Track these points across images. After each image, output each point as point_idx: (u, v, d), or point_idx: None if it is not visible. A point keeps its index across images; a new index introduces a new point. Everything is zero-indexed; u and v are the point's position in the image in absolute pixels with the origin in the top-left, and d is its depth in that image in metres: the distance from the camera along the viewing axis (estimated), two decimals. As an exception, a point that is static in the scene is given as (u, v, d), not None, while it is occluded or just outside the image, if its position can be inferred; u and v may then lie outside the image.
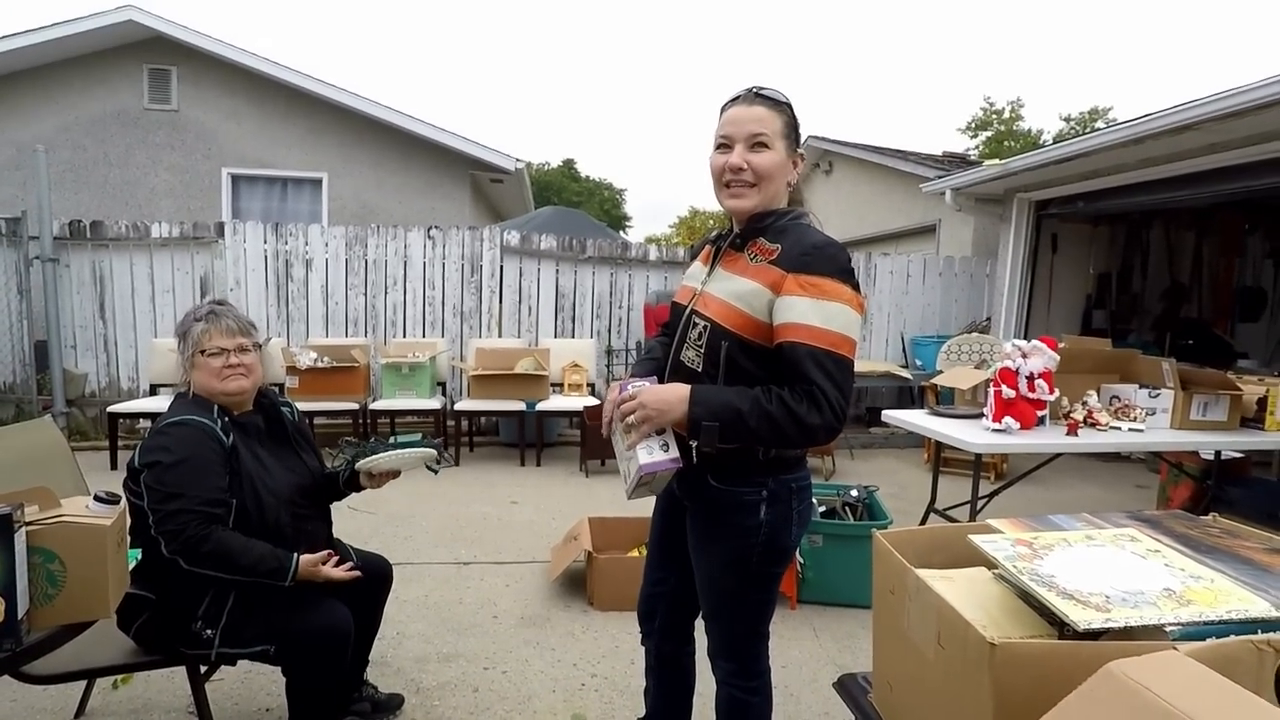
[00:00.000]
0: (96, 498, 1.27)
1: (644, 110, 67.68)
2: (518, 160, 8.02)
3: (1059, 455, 3.51)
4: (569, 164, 27.99)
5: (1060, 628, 0.70)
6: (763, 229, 1.38)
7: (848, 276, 1.28)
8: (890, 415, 3.40)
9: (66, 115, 7.47)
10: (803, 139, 1.47)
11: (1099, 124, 19.39)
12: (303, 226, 5.95)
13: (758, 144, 1.34)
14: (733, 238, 1.43)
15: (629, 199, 32.45)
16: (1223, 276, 6.85)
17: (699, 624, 1.61)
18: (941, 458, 3.54)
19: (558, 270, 6.24)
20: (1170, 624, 0.64)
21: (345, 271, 5.95)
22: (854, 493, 3.23)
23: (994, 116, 22.51)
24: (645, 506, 4.32)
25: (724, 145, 1.38)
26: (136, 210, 7.27)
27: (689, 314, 1.45)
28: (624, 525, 3.30)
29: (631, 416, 1.33)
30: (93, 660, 1.64)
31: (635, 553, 3.15)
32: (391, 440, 2.05)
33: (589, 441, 5.07)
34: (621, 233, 25.18)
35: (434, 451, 1.99)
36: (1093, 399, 3.07)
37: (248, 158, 7.74)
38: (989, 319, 6.71)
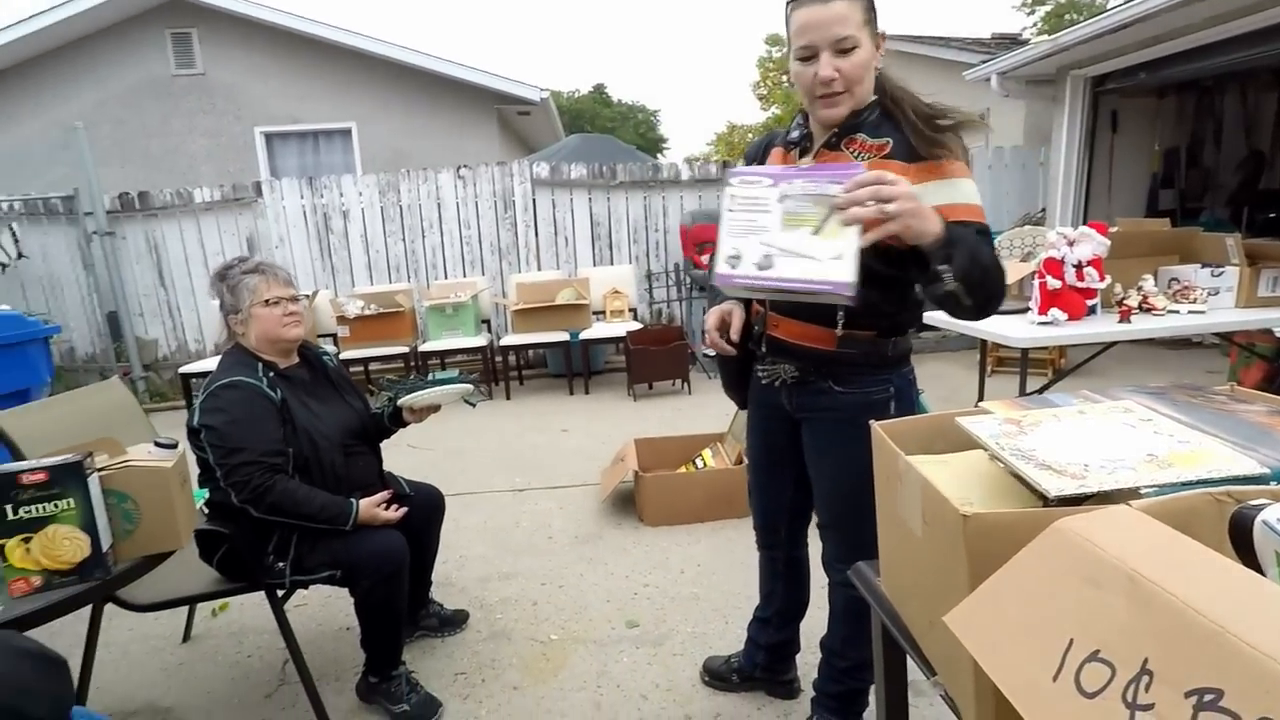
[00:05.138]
0: (156, 444, 1.39)
1: (673, 27, 64.65)
2: (543, 90, 7.87)
3: (1113, 344, 3.38)
4: (599, 90, 27.15)
5: (1045, 500, 0.71)
6: (859, 124, 1.33)
7: (965, 153, 1.31)
8: (932, 316, 3.32)
9: (101, 90, 7.64)
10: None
11: (1172, -18, 17.54)
12: (336, 178, 6.03)
13: (843, 48, 1.25)
14: (828, 138, 1.35)
15: (664, 120, 31.49)
16: (1308, 139, 6.28)
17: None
18: (996, 357, 3.43)
19: (590, 199, 6.18)
20: (1147, 486, 0.64)
21: (382, 219, 6.04)
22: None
23: (1053, -13, 20.61)
24: (690, 425, 4.35)
25: (808, 55, 1.27)
26: (179, 177, 7.48)
27: None
28: (669, 444, 3.38)
29: (891, 205, 1.07)
30: (186, 590, 1.81)
31: (682, 469, 3.24)
32: (430, 377, 2.15)
33: (635, 366, 5.13)
34: (659, 155, 24.59)
35: (470, 386, 2.09)
36: (1148, 283, 2.93)
37: (277, 114, 7.82)
38: (1043, 210, 6.37)
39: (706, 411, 4.60)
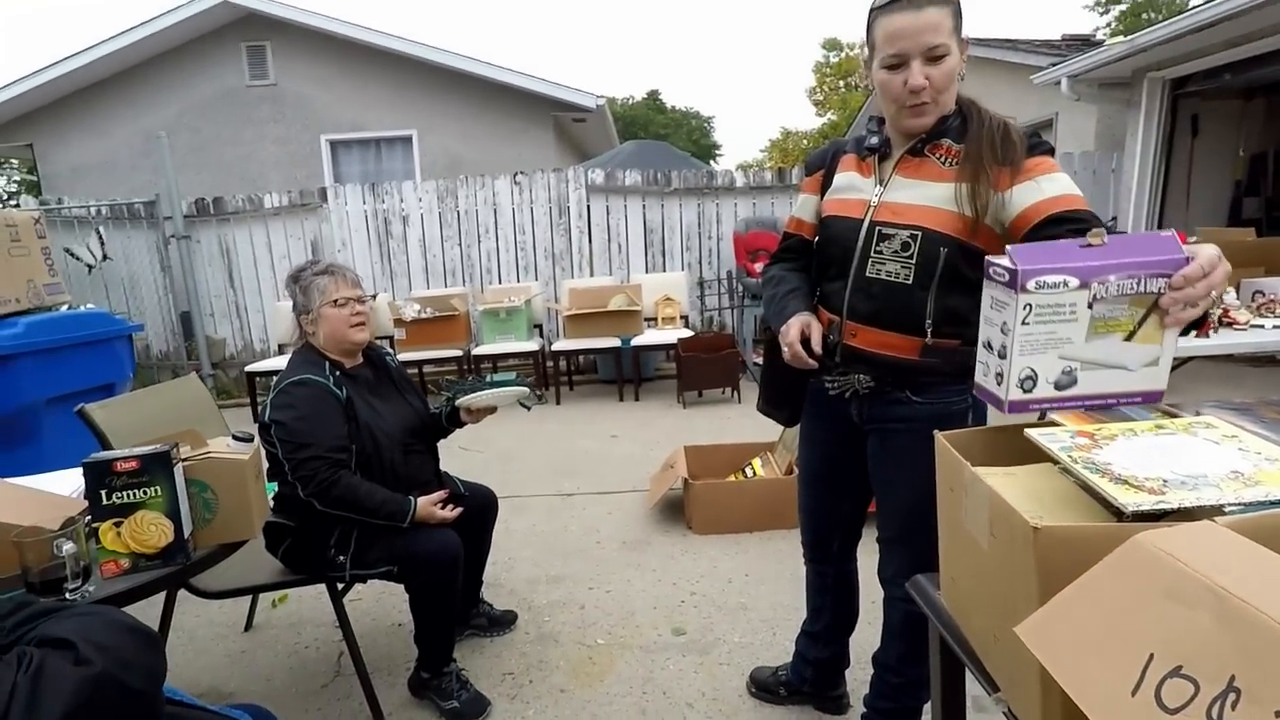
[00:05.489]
0: (235, 437, 1.46)
1: (727, 32, 64.67)
2: (598, 97, 7.96)
3: (1189, 360, 3.22)
4: (653, 95, 27.35)
5: (1119, 515, 0.68)
6: (944, 130, 1.32)
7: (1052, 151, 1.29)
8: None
9: (182, 101, 8.07)
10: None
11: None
12: (397, 185, 6.22)
13: (935, 55, 1.22)
14: (913, 144, 1.34)
15: (717, 126, 31.48)
16: None
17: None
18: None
19: (644, 205, 6.22)
20: (1231, 504, 0.61)
21: (439, 224, 6.20)
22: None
23: (1129, -14, 19.82)
24: (739, 434, 4.33)
25: (897, 63, 1.25)
26: (250, 184, 7.83)
27: (871, 227, 1.36)
28: (719, 452, 3.37)
29: (1204, 299, 0.86)
30: (251, 580, 1.89)
31: (732, 478, 3.22)
32: (488, 379, 2.20)
33: (685, 374, 5.13)
34: (712, 161, 24.58)
35: (527, 389, 2.12)
36: (1230, 296, 2.79)
37: (342, 123, 8.11)
38: (1114, 219, 6.12)
39: (756, 421, 4.52)
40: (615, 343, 5.33)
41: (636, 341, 5.35)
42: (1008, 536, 0.70)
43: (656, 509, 3.22)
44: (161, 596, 1.89)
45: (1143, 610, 0.49)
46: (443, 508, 1.90)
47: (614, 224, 6.24)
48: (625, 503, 3.38)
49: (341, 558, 1.82)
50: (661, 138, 21.11)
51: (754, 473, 3.19)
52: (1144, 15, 18.33)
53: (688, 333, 5.47)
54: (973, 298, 1.32)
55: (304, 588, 1.99)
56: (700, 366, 5.12)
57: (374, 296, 5.42)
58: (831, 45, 22.46)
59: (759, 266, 5.86)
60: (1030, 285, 0.80)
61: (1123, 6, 19.58)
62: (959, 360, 1.32)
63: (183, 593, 1.86)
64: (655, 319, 5.67)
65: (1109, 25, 19.02)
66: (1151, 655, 0.46)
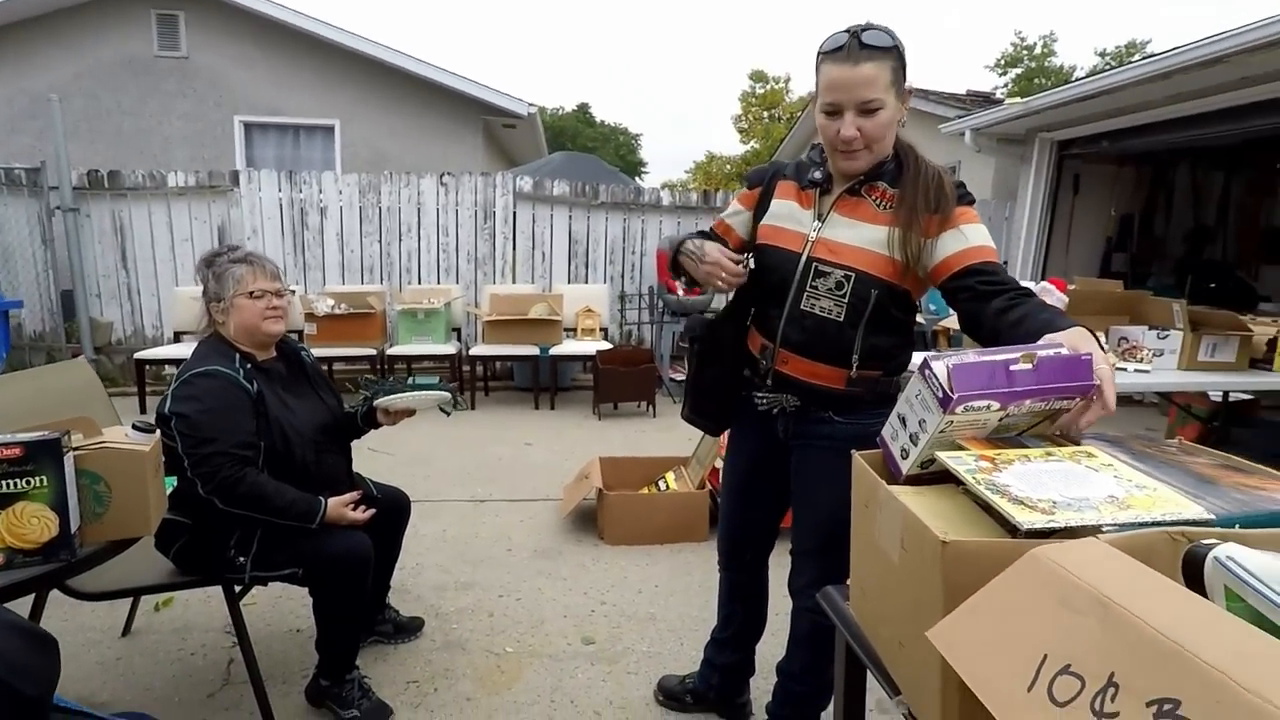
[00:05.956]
0: (135, 426, 1.37)
1: (660, 54, 65.74)
2: (530, 105, 7.93)
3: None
4: (584, 109, 27.47)
5: (1014, 532, 0.76)
6: (880, 174, 1.40)
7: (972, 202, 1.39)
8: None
9: (79, 63, 7.47)
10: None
11: (1136, 58, 18.58)
12: (317, 174, 5.98)
13: (868, 109, 1.29)
14: (851, 185, 1.41)
15: (645, 144, 31.84)
16: (1250, 217, 6.68)
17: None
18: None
19: (571, 216, 6.24)
20: (1108, 524, 0.70)
21: (360, 219, 5.99)
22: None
23: (1025, 53, 21.60)
24: (653, 448, 4.39)
25: (832, 111, 1.32)
26: (151, 159, 7.32)
27: (809, 263, 1.42)
28: (633, 465, 3.41)
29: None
30: (135, 580, 1.77)
31: (645, 491, 3.26)
32: (410, 381, 2.14)
33: (603, 385, 5.16)
34: (637, 179, 24.83)
35: (449, 394, 2.09)
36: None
37: (258, 105, 7.72)
38: (1006, 262, 6.63)
39: (670, 434, 4.65)
40: (534, 351, 5.30)
41: (555, 351, 5.34)
42: (918, 550, 0.77)
43: (569, 518, 3.22)
44: (29, 597, 1.74)
45: (1038, 615, 0.55)
46: (354, 509, 1.84)
47: (539, 232, 6.22)
48: (538, 511, 3.36)
49: (242, 559, 1.73)
50: (590, 150, 21.17)
51: (667, 486, 3.25)
52: (1035, 80, 20.04)
53: (607, 345, 5.50)
54: (896, 336, 1.44)
55: (191, 590, 1.87)
56: (618, 379, 5.16)
57: (293, 291, 5.17)
58: (758, 77, 23.26)
59: (679, 283, 5.98)
60: (958, 410, 0.87)
61: (1018, 70, 21.35)
62: (880, 389, 1.44)
63: (54, 594, 1.71)
64: (575, 330, 5.68)
65: (1006, 86, 20.67)
66: (1045, 655, 0.52)
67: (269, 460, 1.77)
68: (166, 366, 5.34)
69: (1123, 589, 0.52)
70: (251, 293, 1.80)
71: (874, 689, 1.01)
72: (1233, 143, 5.84)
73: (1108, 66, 19.72)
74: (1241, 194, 6.67)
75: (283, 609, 2.40)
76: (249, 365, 1.80)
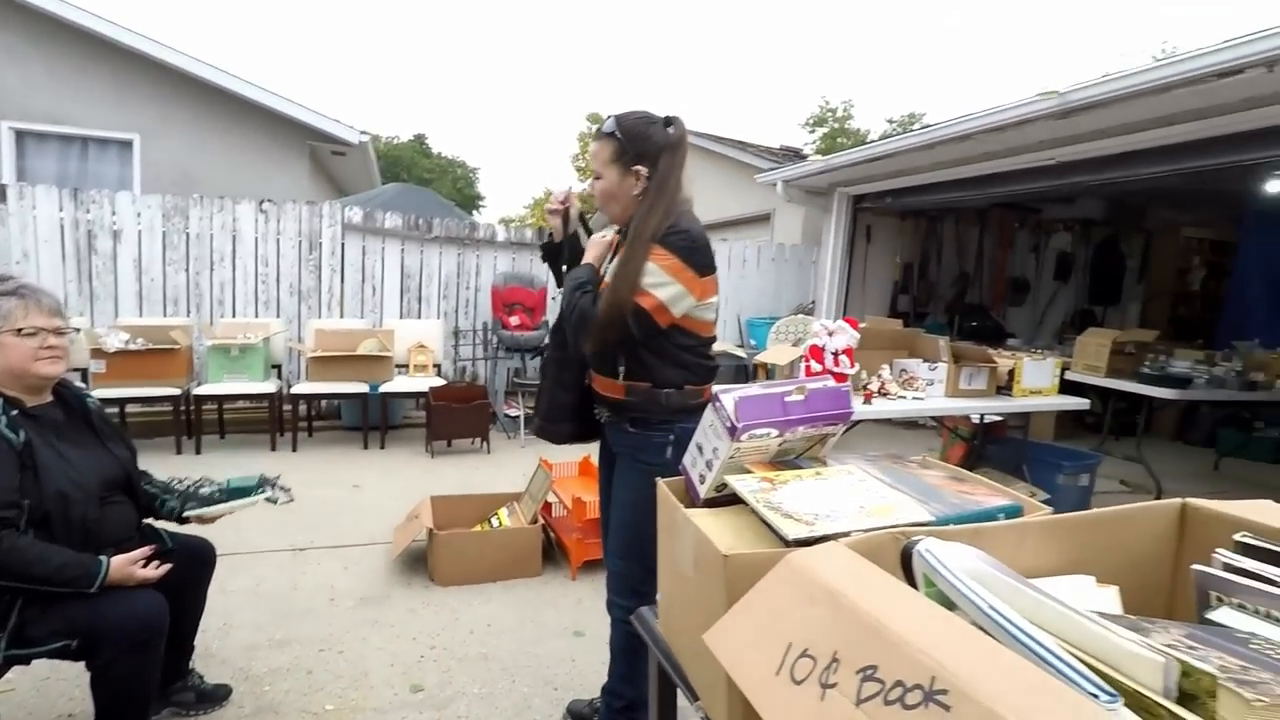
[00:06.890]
0: None
1: (498, 89, 65.70)
2: (362, 133, 7.62)
3: (859, 422, 3.97)
4: (420, 139, 26.65)
5: (785, 542, 0.88)
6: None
7: (682, 254, 1.61)
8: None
9: None
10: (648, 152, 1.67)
11: (915, 127, 21.39)
12: (109, 193, 5.32)
13: (596, 176, 1.69)
14: (621, 230, 1.75)
15: (482, 178, 31.50)
16: (998, 267, 7.94)
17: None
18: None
19: (403, 249, 6.06)
20: (856, 530, 0.84)
21: (163, 245, 5.41)
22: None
23: (829, 115, 24.18)
24: (488, 484, 4.36)
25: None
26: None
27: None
28: (466, 503, 3.36)
29: None
30: None
31: (478, 528, 3.22)
32: (226, 483, 2.03)
33: (435, 423, 5.02)
34: (475, 213, 24.50)
35: (268, 491, 2.05)
36: (886, 372, 3.52)
37: (34, 111, 6.76)
38: (813, 301, 7.34)
39: (504, 471, 4.61)
40: (363, 388, 5.05)
41: (386, 388, 5.12)
42: (707, 565, 0.87)
43: (399, 562, 3.10)
44: None
45: (789, 611, 0.66)
46: (145, 566, 1.67)
47: (370, 265, 5.97)
48: (365, 556, 3.20)
49: (-4, 634, 1.51)
50: (426, 182, 20.63)
51: (500, 523, 3.24)
52: (838, 139, 22.50)
53: (440, 381, 5.37)
54: (654, 355, 1.66)
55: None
56: (451, 416, 5.05)
57: (77, 330, 4.52)
58: (595, 119, 24.03)
59: (515, 320, 6.01)
60: (744, 438, 1.03)
61: (824, 130, 23.87)
62: (653, 399, 1.66)
63: None
64: (407, 366, 5.49)
65: (814, 142, 22.99)
66: (790, 644, 0.62)
67: (36, 520, 1.57)
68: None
69: (850, 583, 0.65)
70: (20, 329, 1.61)
71: (684, 699, 1.10)
72: (981, 205, 6.97)
73: (894, 132, 22.59)
74: (992, 247, 7.92)
75: (50, 693, 2.09)
76: (14, 412, 1.60)
